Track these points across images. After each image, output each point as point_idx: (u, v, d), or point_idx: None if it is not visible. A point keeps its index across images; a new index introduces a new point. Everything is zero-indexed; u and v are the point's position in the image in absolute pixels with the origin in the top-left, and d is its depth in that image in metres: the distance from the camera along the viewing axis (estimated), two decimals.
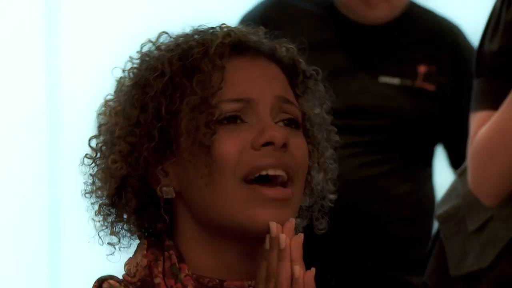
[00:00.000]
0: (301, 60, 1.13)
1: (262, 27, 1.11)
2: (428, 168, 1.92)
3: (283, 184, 1.03)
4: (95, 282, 1.11)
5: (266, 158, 1.02)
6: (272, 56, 1.10)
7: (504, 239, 1.49)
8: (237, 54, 1.08)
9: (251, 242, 1.04)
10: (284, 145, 1.01)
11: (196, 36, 1.09)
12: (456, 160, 1.76)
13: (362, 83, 1.89)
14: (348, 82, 1.89)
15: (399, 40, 1.91)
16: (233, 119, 1.04)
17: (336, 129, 1.14)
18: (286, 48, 1.11)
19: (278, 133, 1.01)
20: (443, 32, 1.86)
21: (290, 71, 1.11)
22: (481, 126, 1.50)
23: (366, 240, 1.87)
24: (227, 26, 1.09)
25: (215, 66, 1.04)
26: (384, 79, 1.88)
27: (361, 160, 1.86)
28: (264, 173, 1.02)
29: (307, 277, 1.00)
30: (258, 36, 1.11)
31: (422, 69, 1.85)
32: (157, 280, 1.07)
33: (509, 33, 1.47)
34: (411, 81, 1.86)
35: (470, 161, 1.54)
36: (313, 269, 1.04)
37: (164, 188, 1.05)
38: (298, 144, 1.05)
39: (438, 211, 1.65)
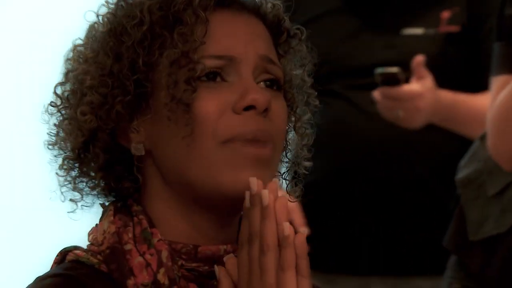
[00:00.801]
0: (285, 17, 1.09)
1: None
2: None
3: (264, 145, 1.01)
4: (57, 255, 1.07)
5: (247, 125, 0.99)
6: (257, 12, 1.06)
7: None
8: (221, 8, 1.04)
9: (227, 207, 1.01)
10: (266, 110, 0.98)
11: None
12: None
13: (385, 38, 1.89)
14: (370, 39, 1.90)
15: None
16: (213, 76, 1.00)
17: (316, 93, 1.11)
18: (272, 4, 1.07)
19: (260, 96, 0.98)
20: None
21: (274, 28, 1.08)
22: (501, 90, 1.50)
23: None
24: None
25: (198, 18, 1.00)
26: (408, 31, 1.88)
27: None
28: (246, 136, 1.00)
29: (297, 238, 0.94)
30: None
31: (446, 14, 1.85)
32: (128, 247, 1.02)
33: None
34: (435, 29, 1.86)
35: (489, 125, 1.54)
36: (305, 230, 1.00)
37: (133, 145, 1.02)
38: (279, 107, 1.02)
39: (459, 175, 1.64)
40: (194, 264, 1.01)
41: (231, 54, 1.00)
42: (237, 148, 0.99)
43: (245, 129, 0.99)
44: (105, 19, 1.03)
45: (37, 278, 1.03)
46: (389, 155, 1.86)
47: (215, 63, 0.99)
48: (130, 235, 1.03)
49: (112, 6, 1.04)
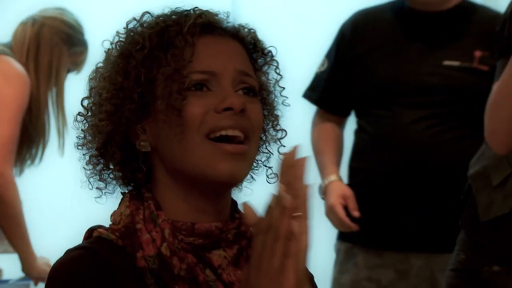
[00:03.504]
0: (261, 39, 1.23)
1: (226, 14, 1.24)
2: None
3: (240, 142, 1.14)
4: (86, 232, 1.24)
5: (225, 120, 1.13)
6: (235, 36, 1.20)
7: None
8: (206, 33, 1.19)
9: (213, 189, 1.15)
10: (242, 110, 1.12)
11: (173, 17, 1.19)
12: None
13: (429, 67, 2.22)
14: (418, 67, 2.23)
15: (458, 29, 2.24)
16: (200, 87, 1.14)
17: (287, 97, 1.25)
18: (248, 29, 1.21)
19: (236, 100, 1.12)
20: (493, 23, 2.03)
21: (251, 48, 1.22)
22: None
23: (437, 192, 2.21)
24: (199, 9, 1.20)
25: (187, 43, 1.15)
26: (447, 63, 2.21)
27: (435, 130, 2.21)
28: (224, 133, 1.13)
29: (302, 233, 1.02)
30: (224, 18, 1.21)
31: (478, 54, 2.18)
32: (139, 226, 1.17)
33: None
34: (469, 64, 2.19)
35: (485, 117, 1.73)
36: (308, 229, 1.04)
37: (142, 143, 1.16)
38: (254, 109, 1.16)
39: (470, 171, 1.88)
40: (191, 238, 1.15)
41: (213, 69, 1.15)
42: (218, 145, 1.13)
43: (223, 123, 1.13)
44: (117, 46, 1.20)
45: (67, 250, 1.18)
46: (422, 159, 2.18)
47: (200, 77, 1.15)
48: (141, 216, 1.18)
49: (123, 35, 1.21)
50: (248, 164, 1.17)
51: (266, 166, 1.24)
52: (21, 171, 2.38)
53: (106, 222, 1.22)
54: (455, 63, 2.21)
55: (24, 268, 2.37)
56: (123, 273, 1.16)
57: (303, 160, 0.97)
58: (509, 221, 1.77)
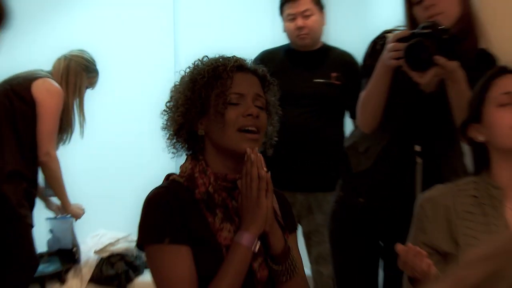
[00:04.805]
0: (267, 74, 1.70)
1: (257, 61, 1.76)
2: (342, 119, 3.21)
3: (255, 133, 1.58)
4: (165, 177, 1.64)
5: (248, 121, 1.58)
6: (255, 72, 1.67)
7: (374, 154, 2.32)
8: (239, 71, 1.63)
9: (238, 157, 1.58)
10: (257, 116, 1.59)
11: (220, 60, 1.65)
12: (353, 115, 2.90)
13: (306, 82, 3.12)
14: (299, 82, 3.13)
15: (321, 60, 3.21)
16: (235, 102, 1.59)
17: (281, 109, 1.73)
18: (262, 69, 1.70)
19: (254, 110, 1.59)
20: (346, 57, 3.19)
21: (262, 79, 1.69)
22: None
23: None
24: (236, 56, 1.66)
25: (228, 76, 1.60)
26: (316, 80, 3.14)
27: (311, 119, 3.10)
28: (247, 128, 1.57)
29: (268, 177, 1.53)
30: (250, 62, 1.68)
31: (333, 74, 3.14)
32: (196, 175, 1.59)
33: (372, 56, 2.26)
34: (328, 80, 3.13)
35: (357, 110, 2.29)
36: (267, 171, 1.54)
37: (200, 130, 1.61)
38: (263, 116, 1.62)
39: (345, 144, 2.47)
40: (224, 183, 1.58)
41: (242, 92, 1.59)
42: (243, 134, 1.56)
43: (247, 123, 1.58)
44: (188, 73, 1.64)
45: (154, 188, 1.58)
46: (305, 136, 3.09)
47: (235, 96, 1.59)
48: (197, 169, 1.60)
49: (191, 67, 1.65)
50: (259, 145, 1.62)
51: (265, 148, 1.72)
52: (57, 149, 3.25)
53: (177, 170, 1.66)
54: (321, 80, 3.13)
55: (63, 209, 3.37)
56: (187, 201, 1.57)
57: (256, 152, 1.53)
58: (369, 173, 2.33)
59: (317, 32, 3.19)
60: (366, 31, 2.79)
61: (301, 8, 3.14)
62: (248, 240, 1.53)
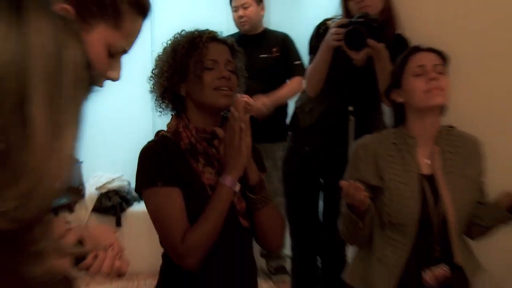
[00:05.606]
0: (235, 44, 1.76)
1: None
2: (283, 83, 3.65)
3: (228, 90, 1.65)
4: (156, 133, 1.67)
5: (222, 82, 1.65)
6: (225, 42, 1.74)
7: (317, 113, 2.57)
8: (212, 41, 1.69)
9: (216, 111, 1.66)
10: (229, 78, 1.66)
11: (196, 32, 1.70)
12: (289, 78, 3.61)
13: (255, 57, 3.49)
14: (249, 59, 3.43)
15: (264, 40, 3.70)
16: (211, 67, 1.65)
17: (247, 74, 1.83)
18: (230, 39, 1.76)
19: (226, 73, 1.67)
20: (282, 36, 3.67)
21: (231, 48, 1.75)
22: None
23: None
24: (209, 29, 1.71)
25: (203, 46, 1.66)
26: (262, 55, 3.63)
27: (262, 86, 3.50)
28: (221, 87, 1.62)
29: (247, 119, 1.55)
30: (220, 33, 1.73)
31: (274, 49, 3.67)
32: (180, 129, 1.64)
33: (316, 38, 2.54)
34: (271, 55, 3.65)
35: (305, 78, 2.57)
36: (247, 116, 1.58)
37: (182, 92, 1.66)
38: (233, 78, 1.70)
39: (296, 105, 2.79)
40: (204, 135, 1.64)
41: (215, 58, 1.66)
42: (219, 91, 1.62)
43: (221, 84, 1.64)
44: (170, 44, 1.68)
45: (147, 142, 1.64)
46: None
47: (210, 63, 1.65)
48: (181, 125, 1.65)
49: (172, 39, 1.68)
50: (232, 101, 1.69)
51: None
52: None
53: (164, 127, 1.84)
54: (265, 55, 3.59)
55: None
56: (174, 151, 1.65)
57: (240, 104, 1.61)
58: (313, 128, 2.59)
59: (254, 19, 3.68)
60: (302, 19, 3.29)
61: (242, 1, 3.68)
62: (230, 181, 1.63)
